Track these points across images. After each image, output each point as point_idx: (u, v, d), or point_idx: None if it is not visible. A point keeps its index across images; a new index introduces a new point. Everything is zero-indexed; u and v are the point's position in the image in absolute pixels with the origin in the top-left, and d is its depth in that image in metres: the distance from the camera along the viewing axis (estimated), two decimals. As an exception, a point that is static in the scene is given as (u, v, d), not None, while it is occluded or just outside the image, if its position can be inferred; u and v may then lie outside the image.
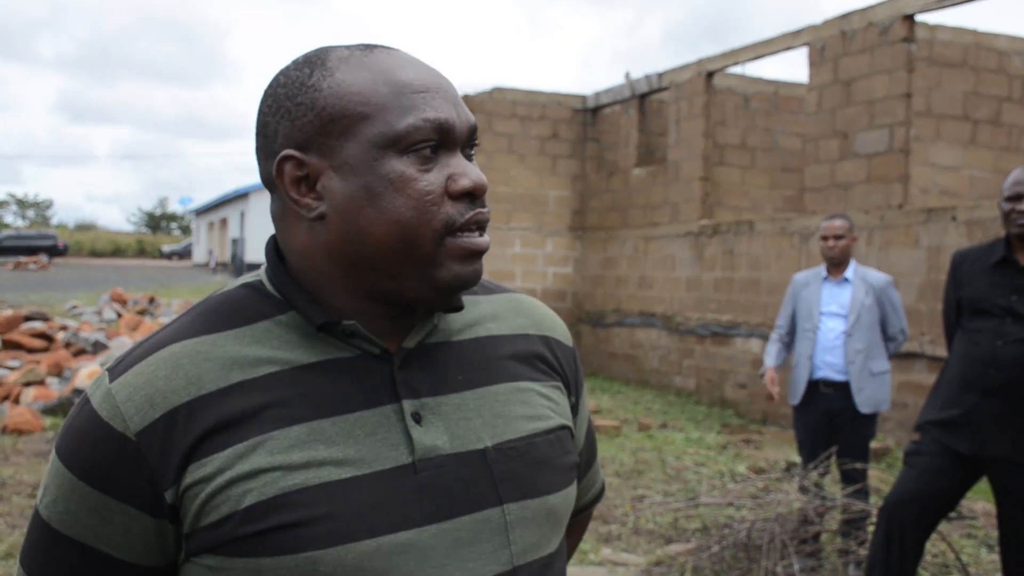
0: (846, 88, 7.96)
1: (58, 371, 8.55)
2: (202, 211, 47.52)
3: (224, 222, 40.53)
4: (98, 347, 9.56)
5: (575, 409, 1.03)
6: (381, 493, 0.82)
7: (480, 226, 0.87)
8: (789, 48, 8.74)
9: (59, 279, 25.72)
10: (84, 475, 0.82)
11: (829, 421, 4.34)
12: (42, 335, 10.04)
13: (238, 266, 33.27)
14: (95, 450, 0.81)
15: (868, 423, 4.32)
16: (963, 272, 3.20)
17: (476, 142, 0.90)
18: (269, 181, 0.88)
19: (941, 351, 6.70)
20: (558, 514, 0.93)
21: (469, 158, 0.89)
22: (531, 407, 0.94)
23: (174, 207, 75.65)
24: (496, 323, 0.98)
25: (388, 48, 0.89)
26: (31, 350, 9.69)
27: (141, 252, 56.48)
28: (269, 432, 0.81)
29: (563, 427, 0.96)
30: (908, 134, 7.50)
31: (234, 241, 35.05)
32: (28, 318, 10.89)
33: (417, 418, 0.86)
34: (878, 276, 4.42)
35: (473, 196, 0.86)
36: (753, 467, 6.31)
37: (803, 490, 4.22)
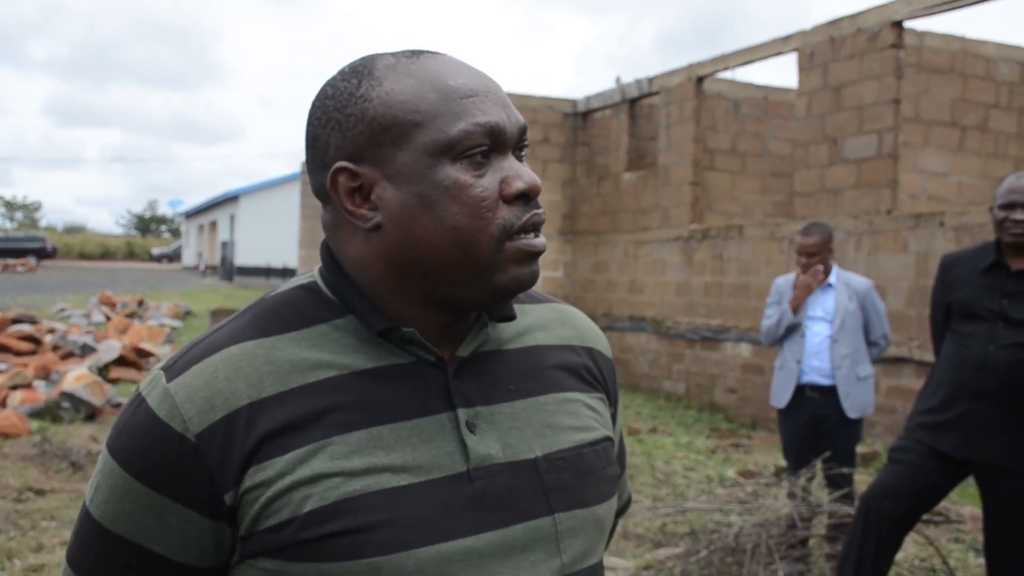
0: (835, 94, 8.00)
1: (45, 374, 8.50)
2: (192, 214, 47.38)
3: (214, 225, 40.43)
4: (86, 350, 9.50)
5: (613, 420, 1.04)
6: (438, 501, 0.82)
7: (536, 228, 0.86)
8: (779, 54, 8.77)
9: (47, 281, 25.59)
10: (140, 475, 0.81)
11: (815, 426, 4.34)
12: (30, 338, 10.00)
13: (227, 269, 33.17)
14: (152, 450, 0.81)
15: (854, 427, 4.32)
16: (953, 275, 3.19)
17: (526, 143, 0.90)
18: (322, 193, 0.88)
19: (929, 356, 6.72)
20: (604, 524, 0.94)
21: (519, 159, 0.89)
22: (578, 418, 0.94)
23: (164, 210, 75.46)
24: (543, 333, 0.98)
25: (434, 53, 0.88)
26: (18, 353, 9.63)
27: (130, 255, 56.34)
28: (330, 437, 0.82)
29: (607, 439, 0.97)
30: (897, 140, 7.54)
31: (224, 244, 34.97)
32: (16, 320, 10.83)
33: (471, 427, 0.86)
34: (860, 281, 4.42)
35: (527, 198, 0.86)
36: (742, 471, 6.32)
37: (791, 495, 4.23)
